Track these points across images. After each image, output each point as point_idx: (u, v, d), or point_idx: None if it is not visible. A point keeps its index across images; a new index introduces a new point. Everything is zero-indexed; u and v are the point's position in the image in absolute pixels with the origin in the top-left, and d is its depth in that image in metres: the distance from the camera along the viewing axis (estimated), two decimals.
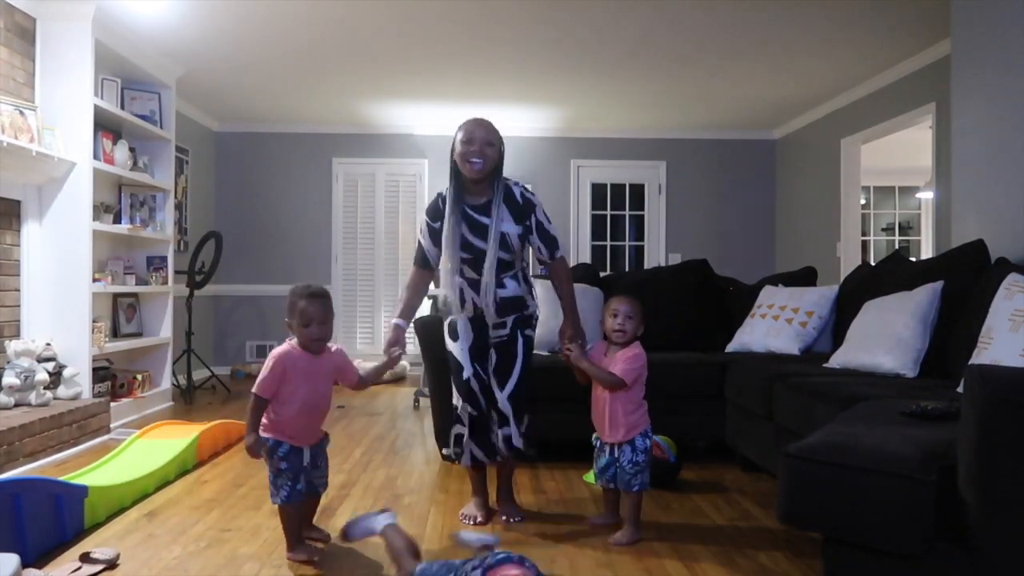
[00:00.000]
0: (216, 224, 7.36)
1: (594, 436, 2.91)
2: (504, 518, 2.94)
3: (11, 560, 2.08)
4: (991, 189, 3.51)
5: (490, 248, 2.83)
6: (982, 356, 2.53)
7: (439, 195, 2.98)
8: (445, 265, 2.91)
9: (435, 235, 2.95)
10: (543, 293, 4.31)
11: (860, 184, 6.54)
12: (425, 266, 2.99)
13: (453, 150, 2.86)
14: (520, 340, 2.94)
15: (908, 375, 3.07)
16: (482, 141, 2.79)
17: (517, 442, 2.91)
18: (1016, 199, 3.32)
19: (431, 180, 7.62)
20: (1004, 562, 1.66)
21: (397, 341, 2.85)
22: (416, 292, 2.99)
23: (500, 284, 2.89)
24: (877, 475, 1.75)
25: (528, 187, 3.09)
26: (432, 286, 3.13)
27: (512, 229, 2.87)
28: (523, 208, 2.90)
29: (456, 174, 2.88)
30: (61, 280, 4.37)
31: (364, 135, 7.72)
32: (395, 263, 7.72)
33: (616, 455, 2.78)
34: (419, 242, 3.01)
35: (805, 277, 4.57)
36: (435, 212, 2.95)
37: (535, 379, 2.99)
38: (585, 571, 2.42)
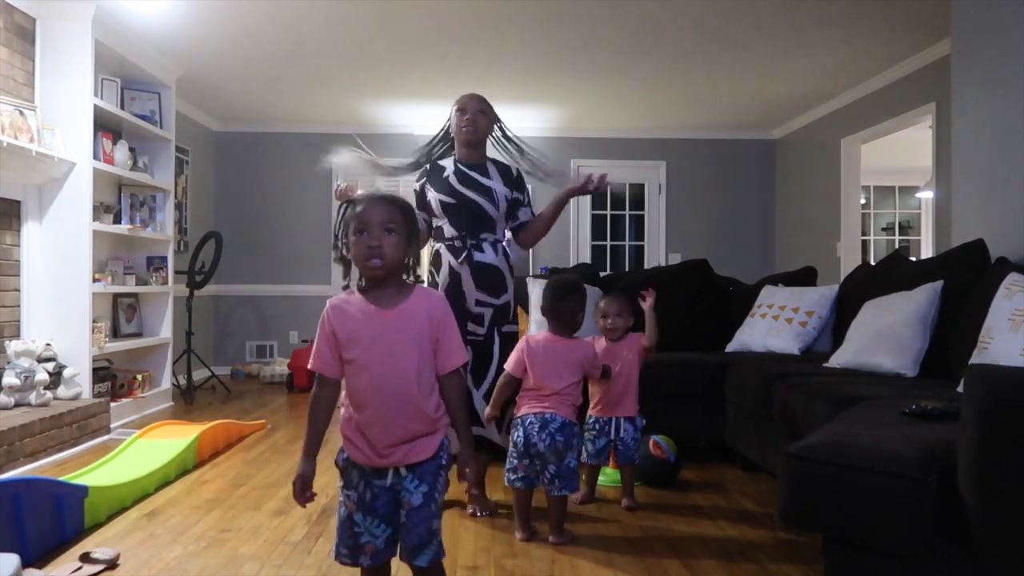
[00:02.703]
0: (216, 224, 7.35)
1: (590, 421, 3.12)
2: (471, 511, 2.96)
3: (11, 560, 2.08)
4: (991, 189, 3.51)
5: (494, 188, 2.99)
6: (982, 356, 2.53)
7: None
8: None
9: (422, 198, 3.05)
10: (542, 293, 4.30)
11: (860, 184, 6.54)
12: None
13: (450, 124, 3.08)
14: (497, 341, 2.97)
15: (908, 375, 3.07)
16: (474, 110, 3.04)
17: (495, 439, 2.95)
18: (1016, 199, 3.32)
19: None
20: (1004, 562, 1.66)
21: None
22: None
23: (478, 247, 2.95)
24: (877, 475, 1.75)
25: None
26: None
27: (501, 189, 3.00)
28: (517, 181, 3.09)
29: (452, 147, 3.09)
30: (61, 280, 4.36)
31: (364, 135, 7.69)
32: None
33: (620, 433, 3.08)
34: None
35: (805, 277, 4.57)
36: (421, 173, 3.10)
37: None
38: (585, 571, 2.42)
